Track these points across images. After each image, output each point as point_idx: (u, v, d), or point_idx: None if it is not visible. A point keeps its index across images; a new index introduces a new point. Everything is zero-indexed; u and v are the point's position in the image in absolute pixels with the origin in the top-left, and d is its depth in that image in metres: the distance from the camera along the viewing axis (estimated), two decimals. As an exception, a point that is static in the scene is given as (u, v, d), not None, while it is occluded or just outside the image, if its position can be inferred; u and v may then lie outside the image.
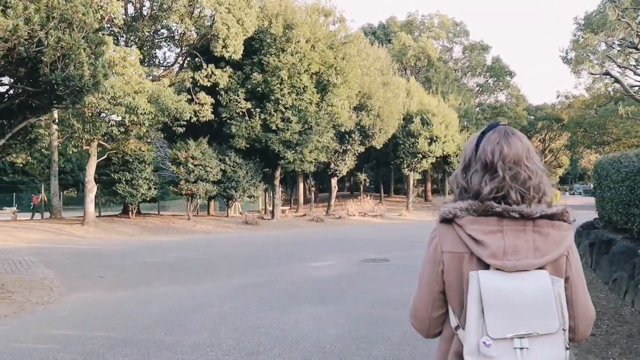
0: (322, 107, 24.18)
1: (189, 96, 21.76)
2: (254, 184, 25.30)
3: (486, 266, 1.51)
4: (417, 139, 32.88)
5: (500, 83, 54.42)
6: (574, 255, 1.60)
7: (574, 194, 69.21)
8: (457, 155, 39.47)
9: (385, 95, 28.78)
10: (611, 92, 43.87)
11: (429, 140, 33.36)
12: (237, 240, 18.60)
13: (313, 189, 43.27)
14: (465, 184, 1.63)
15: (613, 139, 40.37)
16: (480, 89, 56.00)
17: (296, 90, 23.28)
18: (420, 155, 33.67)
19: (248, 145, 24.15)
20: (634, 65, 34.39)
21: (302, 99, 23.41)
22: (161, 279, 9.91)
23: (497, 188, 1.55)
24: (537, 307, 1.47)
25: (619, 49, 38.89)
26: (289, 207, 35.31)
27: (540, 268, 1.51)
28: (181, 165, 22.66)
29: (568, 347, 1.50)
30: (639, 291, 6.45)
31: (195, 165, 22.70)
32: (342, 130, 26.71)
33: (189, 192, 22.95)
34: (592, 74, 26.10)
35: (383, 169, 44.73)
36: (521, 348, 1.45)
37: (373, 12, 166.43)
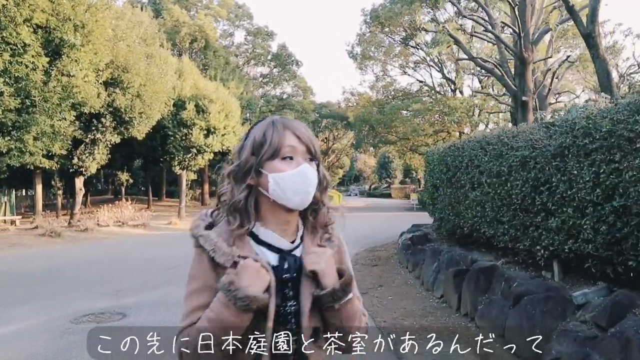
0: (53, 76, 17.82)
1: None
2: (-53, 184, 17.93)
3: None
4: (191, 129, 27.88)
5: (287, 74, 51.93)
6: None
7: (350, 194, 71.66)
8: (239, 152, 35.45)
9: (149, 71, 23.14)
10: (392, 92, 44.13)
11: (206, 132, 28.61)
12: None
13: (60, 192, 35.48)
14: None
15: (399, 138, 40.01)
16: (265, 80, 52.89)
17: (11, 48, 16.62)
18: (194, 150, 28.72)
19: None
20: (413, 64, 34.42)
21: (21, 63, 16.83)
22: None
23: None
24: None
25: (400, 47, 39.02)
26: (21, 216, 27.59)
27: None
28: None
29: None
30: None
31: None
32: (87, 111, 20.40)
33: None
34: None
35: (154, 167, 38.74)
36: None
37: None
